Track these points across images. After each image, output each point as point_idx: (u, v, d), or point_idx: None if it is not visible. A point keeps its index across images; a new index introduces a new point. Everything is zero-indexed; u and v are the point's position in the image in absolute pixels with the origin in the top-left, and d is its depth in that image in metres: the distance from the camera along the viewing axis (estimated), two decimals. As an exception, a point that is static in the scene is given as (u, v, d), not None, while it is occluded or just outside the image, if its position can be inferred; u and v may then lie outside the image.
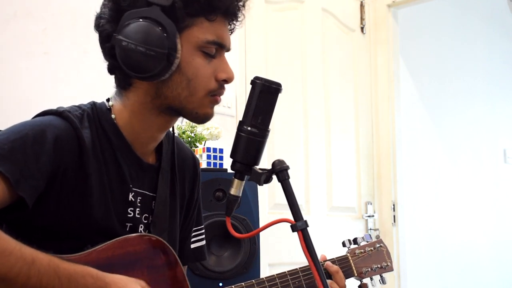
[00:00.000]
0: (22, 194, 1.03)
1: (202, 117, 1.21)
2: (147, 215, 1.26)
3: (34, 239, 1.05)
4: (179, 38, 1.13)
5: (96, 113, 1.21)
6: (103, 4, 1.19)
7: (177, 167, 1.34)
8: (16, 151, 1.05)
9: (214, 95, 1.20)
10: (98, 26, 1.19)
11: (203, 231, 1.46)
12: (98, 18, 1.19)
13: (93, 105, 1.23)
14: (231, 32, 1.24)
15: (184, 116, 1.22)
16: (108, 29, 1.16)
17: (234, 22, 1.22)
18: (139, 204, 1.23)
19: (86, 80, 2.21)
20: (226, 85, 1.22)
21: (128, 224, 1.21)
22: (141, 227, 1.23)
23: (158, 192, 1.27)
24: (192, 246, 1.42)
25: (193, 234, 1.43)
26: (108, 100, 1.25)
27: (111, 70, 1.21)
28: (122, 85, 1.21)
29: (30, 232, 1.10)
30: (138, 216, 1.23)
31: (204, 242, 1.45)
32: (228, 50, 1.23)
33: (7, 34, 2.08)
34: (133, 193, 1.22)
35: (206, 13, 1.15)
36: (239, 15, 1.22)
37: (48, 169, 1.08)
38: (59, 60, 2.20)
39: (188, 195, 1.39)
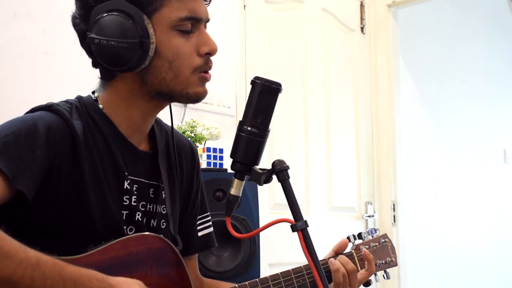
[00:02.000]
0: (21, 188, 1.02)
1: (194, 97, 1.19)
2: (144, 203, 1.24)
3: (35, 240, 1.04)
4: (149, 22, 1.12)
5: (83, 105, 1.20)
6: (75, 4, 1.19)
7: (175, 154, 1.32)
8: (10, 146, 1.04)
9: (202, 71, 1.18)
10: (74, 26, 1.19)
11: (209, 217, 1.43)
12: (74, 18, 1.19)
13: (80, 98, 1.22)
14: (208, 3, 1.22)
15: (176, 100, 1.20)
16: (82, 28, 1.17)
17: None
18: (135, 192, 1.21)
19: (86, 80, 2.19)
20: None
21: (124, 212, 1.19)
22: (139, 214, 1.21)
23: (163, 179, 1.26)
24: (200, 233, 1.40)
25: (199, 221, 1.41)
26: (93, 92, 1.24)
27: (94, 65, 1.22)
28: (107, 77, 1.21)
29: (30, 232, 1.09)
30: (135, 203, 1.21)
31: (211, 229, 1.42)
32: (206, 21, 1.20)
33: (7, 34, 2.08)
34: (128, 181, 1.20)
35: None
36: None
37: (43, 161, 1.07)
38: (59, 60, 2.20)
39: (187, 182, 1.37)
